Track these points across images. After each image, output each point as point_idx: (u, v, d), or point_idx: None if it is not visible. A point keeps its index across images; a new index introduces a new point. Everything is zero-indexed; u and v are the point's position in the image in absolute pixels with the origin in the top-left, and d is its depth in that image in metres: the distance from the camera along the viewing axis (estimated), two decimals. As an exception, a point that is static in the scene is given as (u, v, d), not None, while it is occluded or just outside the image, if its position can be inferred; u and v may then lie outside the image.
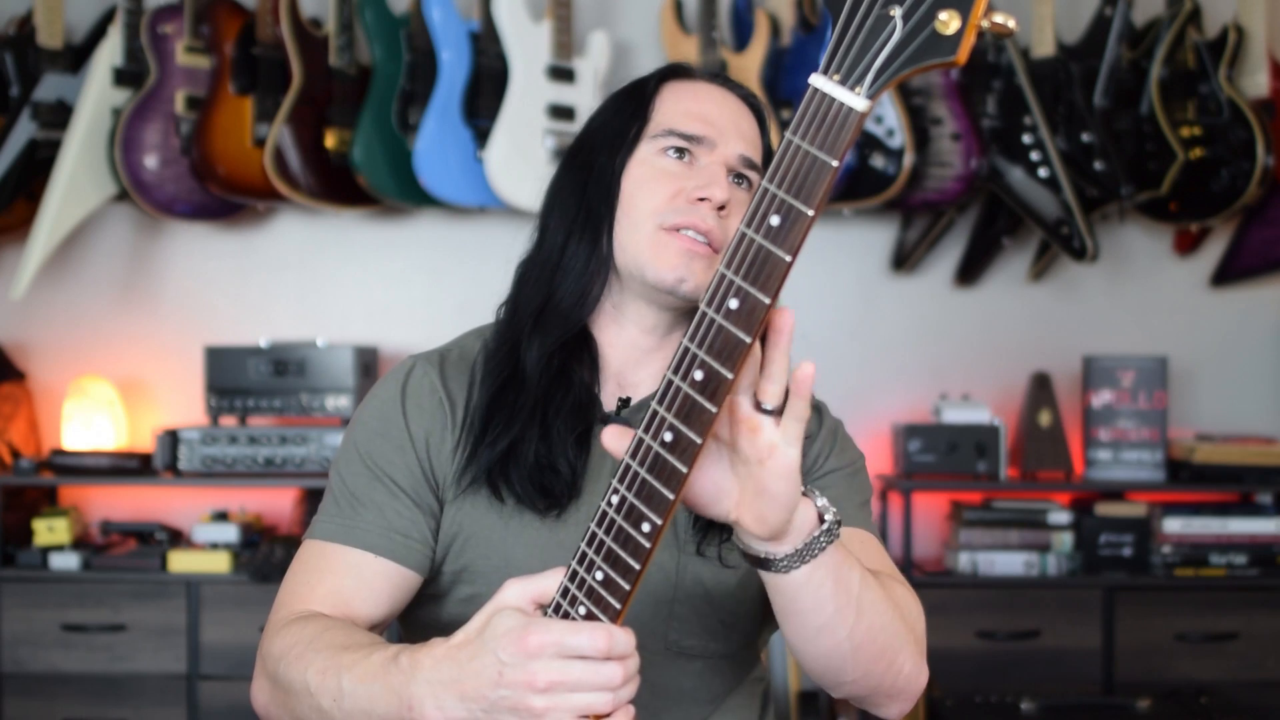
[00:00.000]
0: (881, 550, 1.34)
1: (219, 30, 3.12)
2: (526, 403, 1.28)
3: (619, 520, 0.98)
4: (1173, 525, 3.03)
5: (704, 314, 0.93)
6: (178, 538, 3.16)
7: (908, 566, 2.98)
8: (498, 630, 0.99)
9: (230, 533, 3.05)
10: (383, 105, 3.10)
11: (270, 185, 3.06)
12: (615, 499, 0.99)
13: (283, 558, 2.89)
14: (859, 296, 3.38)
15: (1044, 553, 3.04)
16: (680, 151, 1.30)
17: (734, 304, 0.92)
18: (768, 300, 0.91)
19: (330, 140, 3.08)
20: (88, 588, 2.97)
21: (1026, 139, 3.07)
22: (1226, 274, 3.34)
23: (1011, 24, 0.87)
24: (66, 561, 2.99)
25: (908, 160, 3.03)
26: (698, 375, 0.94)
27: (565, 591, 1.02)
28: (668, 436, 0.95)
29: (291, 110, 3.05)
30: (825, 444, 1.38)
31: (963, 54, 0.85)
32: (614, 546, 0.99)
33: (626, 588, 0.99)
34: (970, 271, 3.34)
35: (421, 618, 1.34)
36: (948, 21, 0.84)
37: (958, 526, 3.08)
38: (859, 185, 3.08)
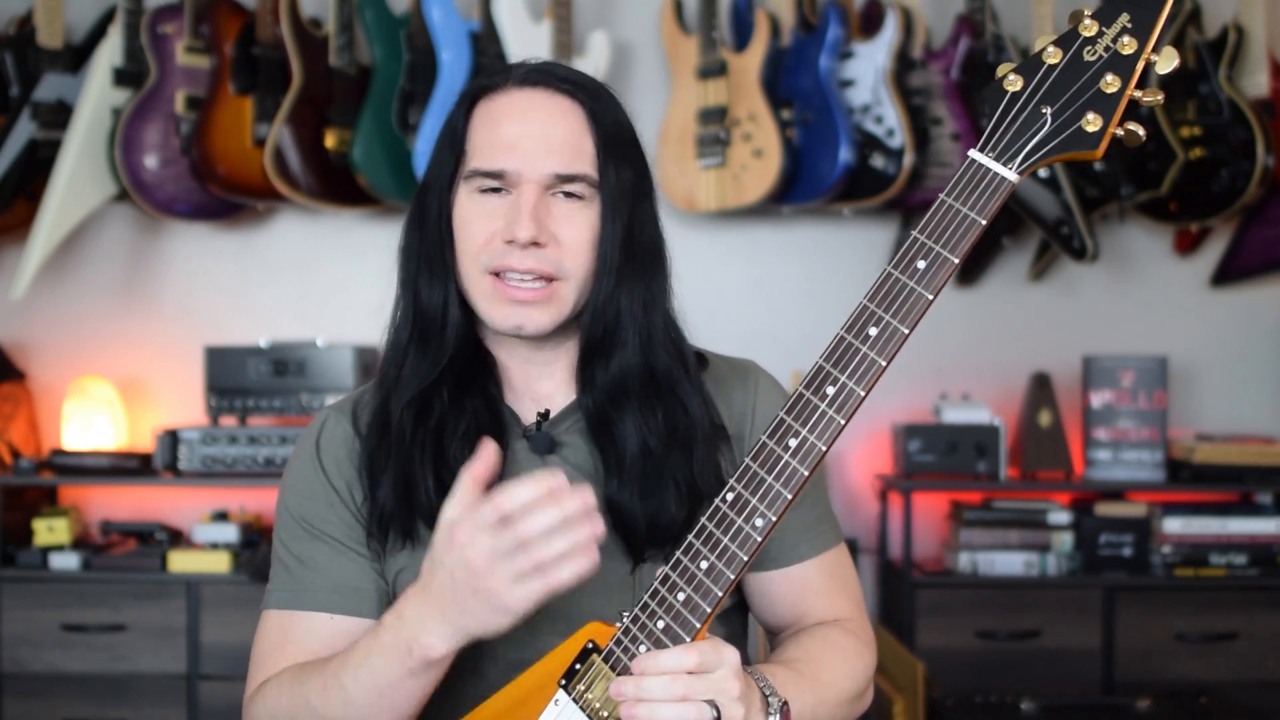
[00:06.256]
0: (845, 567, 1.36)
1: (219, 30, 3.12)
2: (404, 452, 1.27)
3: (730, 514, 1.09)
4: (1173, 525, 3.03)
5: (843, 339, 1.10)
6: (178, 538, 3.17)
7: (908, 566, 2.98)
8: (435, 544, 1.09)
9: (230, 533, 3.05)
10: (383, 105, 3.10)
11: (270, 185, 3.06)
12: (730, 496, 1.09)
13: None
14: (859, 296, 3.37)
15: (1044, 553, 3.04)
16: (494, 189, 1.27)
17: (873, 331, 1.09)
18: (907, 331, 1.08)
19: (330, 140, 3.08)
20: (88, 588, 2.97)
21: (1026, 139, 3.07)
22: (1226, 274, 3.34)
23: (1142, 132, 1.06)
24: (66, 561, 2.99)
25: (908, 160, 3.03)
26: (829, 390, 1.08)
27: (665, 579, 1.10)
28: (792, 442, 1.08)
29: (291, 110, 3.05)
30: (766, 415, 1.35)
31: (1101, 149, 1.05)
32: (722, 537, 1.08)
33: (731, 576, 1.08)
34: (970, 271, 3.34)
35: None
36: (1093, 121, 1.05)
37: (958, 526, 3.08)
38: (859, 185, 3.07)
